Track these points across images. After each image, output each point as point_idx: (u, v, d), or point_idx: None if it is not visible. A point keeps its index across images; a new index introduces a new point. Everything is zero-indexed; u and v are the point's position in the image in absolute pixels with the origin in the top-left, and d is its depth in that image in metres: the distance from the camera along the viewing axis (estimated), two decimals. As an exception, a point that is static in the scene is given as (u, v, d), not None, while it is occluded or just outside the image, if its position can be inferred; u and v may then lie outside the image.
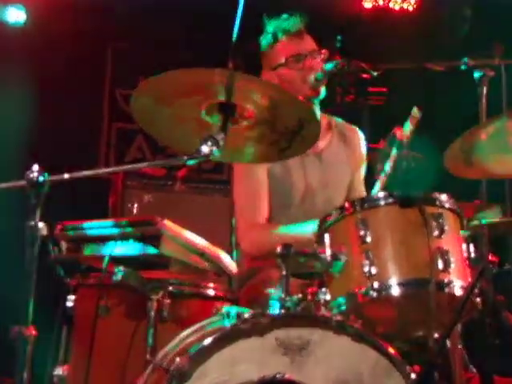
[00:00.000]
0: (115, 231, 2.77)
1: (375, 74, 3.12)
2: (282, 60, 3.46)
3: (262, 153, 2.63)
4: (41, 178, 2.15)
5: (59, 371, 2.94)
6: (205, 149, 2.32)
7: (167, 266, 2.84)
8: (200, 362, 2.36)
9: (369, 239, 2.55)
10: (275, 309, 2.48)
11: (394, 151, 3.03)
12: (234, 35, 2.31)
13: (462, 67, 3.14)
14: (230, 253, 3.18)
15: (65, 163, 2.87)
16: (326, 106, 3.56)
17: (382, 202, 2.61)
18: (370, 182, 3.58)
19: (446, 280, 2.51)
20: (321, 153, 3.52)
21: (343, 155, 3.59)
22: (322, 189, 3.47)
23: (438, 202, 2.61)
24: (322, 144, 3.52)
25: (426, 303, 2.46)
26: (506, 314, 2.70)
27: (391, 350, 2.45)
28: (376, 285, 2.51)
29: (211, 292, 3.09)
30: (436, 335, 2.56)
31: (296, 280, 2.81)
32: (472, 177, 2.99)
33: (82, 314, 3.00)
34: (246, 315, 2.44)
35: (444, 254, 2.53)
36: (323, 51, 3.43)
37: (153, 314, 2.84)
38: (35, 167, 2.17)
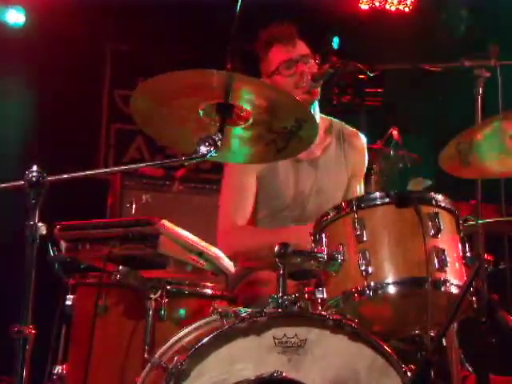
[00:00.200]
0: (114, 231, 2.78)
1: (372, 74, 3.14)
2: (274, 67, 3.46)
3: (259, 153, 2.65)
4: (40, 179, 2.17)
5: (58, 370, 2.96)
6: (203, 149, 2.33)
7: (165, 265, 2.84)
8: (198, 360, 2.37)
9: (365, 238, 2.56)
10: (272, 308, 2.50)
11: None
12: (232, 35, 2.32)
13: (458, 68, 3.15)
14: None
15: (64, 163, 2.88)
16: (323, 106, 3.57)
17: (379, 202, 2.62)
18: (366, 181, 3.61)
19: (442, 279, 2.52)
20: (317, 160, 3.50)
21: (341, 160, 3.57)
22: (316, 195, 3.45)
23: (434, 202, 2.62)
24: (318, 151, 3.50)
25: (422, 302, 2.47)
26: (501, 313, 2.71)
27: (387, 349, 2.46)
28: (372, 284, 2.52)
29: (209, 291, 3.11)
30: (432, 334, 2.58)
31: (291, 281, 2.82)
32: (468, 177, 3.00)
33: (81, 313, 3.02)
34: (244, 314, 2.46)
35: (440, 253, 2.54)
36: (316, 55, 3.43)
37: (151, 312, 2.85)
38: (34, 167, 2.18)
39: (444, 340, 2.69)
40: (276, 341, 2.41)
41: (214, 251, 2.88)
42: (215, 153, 2.34)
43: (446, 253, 2.55)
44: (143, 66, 6.14)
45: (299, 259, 2.60)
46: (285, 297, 2.51)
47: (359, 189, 3.62)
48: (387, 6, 6.68)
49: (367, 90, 3.13)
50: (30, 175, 2.17)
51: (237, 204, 3.40)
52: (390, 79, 3.25)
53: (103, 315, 2.95)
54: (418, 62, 3.23)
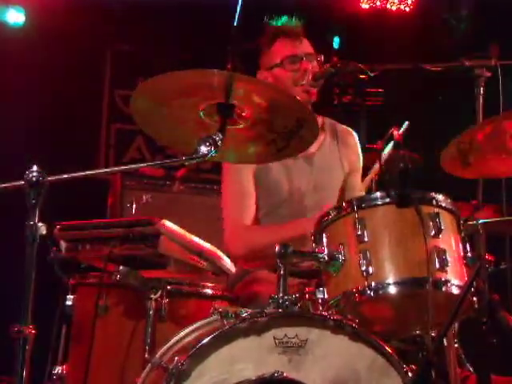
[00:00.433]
0: (114, 231, 2.78)
1: (372, 74, 3.13)
2: (278, 60, 3.47)
3: (260, 153, 2.64)
4: (40, 179, 2.17)
5: (58, 370, 2.96)
6: (203, 149, 2.33)
7: (166, 265, 2.85)
8: (199, 360, 2.37)
9: (366, 239, 2.55)
10: (273, 308, 2.50)
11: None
12: (232, 35, 2.32)
13: (459, 68, 3.15)
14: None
15: (64, 163, 2.88)
16: (323, 106, 3.56)
17: (379, 202, 2.62)
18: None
19: (442, 279, 2.51)
20: (312, 156, 3.49)
21: (336, 156, 3.56)
22: (313, 192, 3.44)
23: (434, 202, 2.62)
24: (313, 147, 3.49)
25: (422, 302, 2.46)
26: (502, 313, 2.71)
27: (388, 349, 2.46)
28: (373, 284, 2.51)
29: (209, 291, 3.11)
30: (433, 334, 2.58)
31: (293, 279, 2.82)
32: (469, 177, 3.00)
33: (81, 313, 3.02)
34: (244, 314, 2.45)
35: (441, 254, 2.53)
36: (320, 56, 3.44)
37: (151, 313, 2.86)
38: (34, 167, 2.18)
39: (445, 340, 2.68)
40: (276, 341, 2.41)
41: (215, 251, 2.88)
42: (215, 153, 2.34)
43: (446, 253, 2.54)
44: (143, 66, 6.14)
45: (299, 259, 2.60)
46: (285, 297, 2.50)
47: (359, 184, 3.62)
48: (388, 6, 6.68)
49: (368, 89, 3.12)
50: (30, 175, 2.17)
51: (241, 204, 3.39)
52: (391, 79, 3.24)
53: (103, 315, 2.95)
54: (419, 62, 3.22)
